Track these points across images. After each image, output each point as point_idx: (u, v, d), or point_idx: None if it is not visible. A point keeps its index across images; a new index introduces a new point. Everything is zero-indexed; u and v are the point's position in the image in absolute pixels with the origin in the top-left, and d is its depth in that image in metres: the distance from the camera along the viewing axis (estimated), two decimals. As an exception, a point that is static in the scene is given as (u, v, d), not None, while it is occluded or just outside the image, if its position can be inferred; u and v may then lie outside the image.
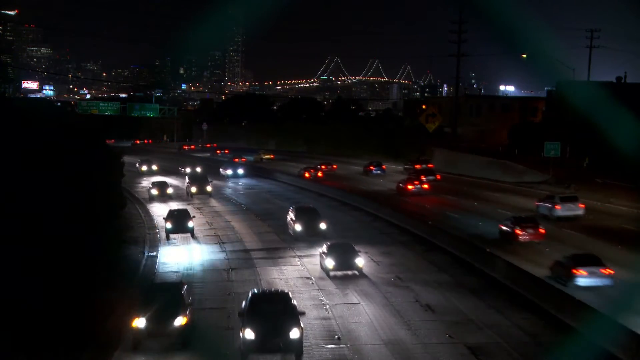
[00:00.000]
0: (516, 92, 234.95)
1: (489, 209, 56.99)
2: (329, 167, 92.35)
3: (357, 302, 32.42)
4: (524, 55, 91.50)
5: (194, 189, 69.84)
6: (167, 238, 48.85)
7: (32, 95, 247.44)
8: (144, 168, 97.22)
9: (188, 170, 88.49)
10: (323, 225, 46.80)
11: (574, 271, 32.71)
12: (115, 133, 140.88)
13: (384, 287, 34.93)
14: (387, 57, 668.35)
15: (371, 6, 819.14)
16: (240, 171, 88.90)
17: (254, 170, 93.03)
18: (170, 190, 69.39)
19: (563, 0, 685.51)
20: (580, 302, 28.11)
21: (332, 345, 26.58)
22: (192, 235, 49.18)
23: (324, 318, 30.00)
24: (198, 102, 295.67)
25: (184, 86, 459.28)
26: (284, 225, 50.09)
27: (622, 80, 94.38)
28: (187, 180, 73.28)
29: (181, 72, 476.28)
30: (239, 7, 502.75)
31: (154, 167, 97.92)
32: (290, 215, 49.01)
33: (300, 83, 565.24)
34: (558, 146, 72.94)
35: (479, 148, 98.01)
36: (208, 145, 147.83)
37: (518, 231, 42.63)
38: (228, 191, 76.04)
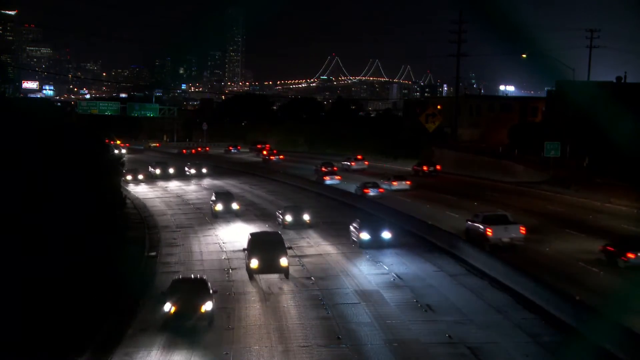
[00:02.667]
0: (516, 92, 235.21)
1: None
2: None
3: (357, 302, 32.44)
4: (524, 55, 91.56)
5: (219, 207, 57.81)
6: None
7: (32, 95, 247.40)
8: (158, 172, 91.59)
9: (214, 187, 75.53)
10: None
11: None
12: (115, 133, 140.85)
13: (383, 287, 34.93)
14: (387, 57, 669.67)
15: (371, 6, 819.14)
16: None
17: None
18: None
19: (563, 0, 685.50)
20: (580, 301, 28.11)
21: (332, 345, 26.59)
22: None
23: (324, 318, 30.01)
24: (198, 102, 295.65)
25: (184, 86, 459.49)
26: None
27: (622, 80, 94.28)
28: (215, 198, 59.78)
29: (181, 72, 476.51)
30: (239, 7, 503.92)
31: (171, 171, 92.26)
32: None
33: (300, 83, 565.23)
34: (558, 146, 72.95)
35: (479, 148, 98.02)
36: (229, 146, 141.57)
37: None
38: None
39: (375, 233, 43.56)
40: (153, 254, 44.71)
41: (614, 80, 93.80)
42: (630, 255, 35.79)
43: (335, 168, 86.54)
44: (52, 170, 33.93)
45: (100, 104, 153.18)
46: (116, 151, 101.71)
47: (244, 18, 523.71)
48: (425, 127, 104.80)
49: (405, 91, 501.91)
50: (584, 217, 52.05)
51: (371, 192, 65.13)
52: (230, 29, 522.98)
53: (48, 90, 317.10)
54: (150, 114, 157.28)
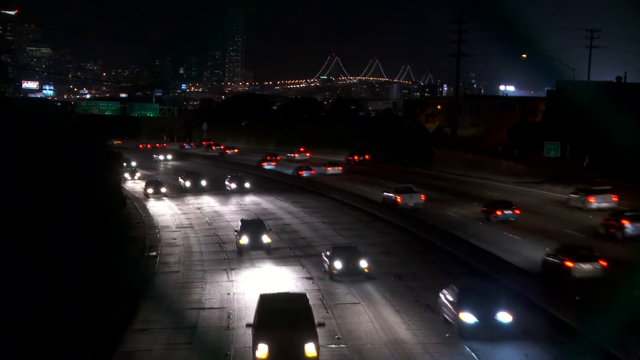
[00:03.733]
0: (516, 92, 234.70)
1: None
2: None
3: (357, 302, 32.42)
4: (524, 55, 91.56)
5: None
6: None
7: (32, 95, 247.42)
8: (188, 184, 76.26)
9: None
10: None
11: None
12: (115, 133, 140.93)
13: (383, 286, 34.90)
14: (387, 57, 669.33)
15: (371, 6, 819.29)
16: None
17: None
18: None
19: (563, 0, 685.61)
20: (580, 301, 28.10)
21: (332, 345, 26.58)
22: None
23: (324, 318, 29.99)
24: (198, 102, 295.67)
25: (184, 86, 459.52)
26: None
27: (622, 80, 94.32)
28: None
29: (181, 72, 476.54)
30: (239, 7, 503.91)
31: (203, 183, 76.43)
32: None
33: (300, 83, 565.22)
34: (558, 146, 72.91)
35: (479, 148, 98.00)
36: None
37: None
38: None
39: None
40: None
41: (614, 80, 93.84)
42: (499, 213, 50.73)
43: (278, 158, 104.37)
44: (52, 171, 33.90)
45: (100, 104, 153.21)
46: (133, 163, 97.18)
47: (244, 18, 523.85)
48: (425, 127, 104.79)
49: (405, 91, 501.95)
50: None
51: (305, 174, 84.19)
52: (230, 29, 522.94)
53: (48, 90, 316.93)
54: (150, 114, 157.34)
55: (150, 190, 73.02)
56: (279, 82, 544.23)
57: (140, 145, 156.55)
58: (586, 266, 33.55)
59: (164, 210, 63.98)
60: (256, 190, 73.25)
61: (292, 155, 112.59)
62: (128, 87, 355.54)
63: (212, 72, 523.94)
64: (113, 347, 26.74)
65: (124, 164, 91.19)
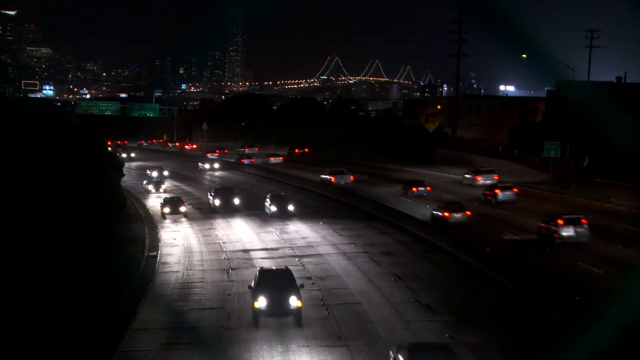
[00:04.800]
0: (516, 92, 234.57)
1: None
2: None
3: (357, 302, 32.45)
4: (524, 55, 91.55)
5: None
6: None
7: (32, 95, 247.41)
8: (218, 202, 60.94)
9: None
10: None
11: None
12: (115, 133, 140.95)
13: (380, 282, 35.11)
14: (387, 57, 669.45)
15: (371, 6, 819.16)
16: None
17: None
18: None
19: (563, 0, 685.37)
20: (580, 302, 28.13)
21: (332, 345, 26.59)
22: None
23: (324, 318, 30.01)
24: (198, 102, 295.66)
25: (184, 86, 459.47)
26: None
27: (622, 80, 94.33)
28: None
29: (181, 72, 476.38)
30: (239, 7, 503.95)
31: (236, 201, 61.45)
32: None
33: (300, 83, 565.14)
34: (558, 146, 72.92)
35: (479, 148, 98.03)
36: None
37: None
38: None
39: None
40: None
41: (614, 80, 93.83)
42: (414, 189, 65.88)
43: (226, 151, 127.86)
44: (52, 171, 33.94)
45: (100, 104, 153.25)
46: (154, 174, 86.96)
47: (244, 18, 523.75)
48: (425, 127, 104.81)
49: (405, 91, 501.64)
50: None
51: (246, 162, 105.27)
52: (230, 29, 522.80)
53: (48, 90, 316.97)
54: (150, 114, 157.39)
55: (167, 210, 59.64)
56: (279, 82, 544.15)
57: (145, 141, 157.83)
58: (457, 215, 50.10)
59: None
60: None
61: (242, 149, 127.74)
62: (128, 87, 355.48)
63: (212, 72, 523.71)
64: (113, 347, 26.74)
65: (149, 172, 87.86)
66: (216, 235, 51.18)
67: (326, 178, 76.97)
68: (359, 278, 37.01)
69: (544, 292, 30.51)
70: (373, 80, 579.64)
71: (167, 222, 57.62)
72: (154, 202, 67.65)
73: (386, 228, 51.15)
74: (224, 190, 64.32)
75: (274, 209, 56.66)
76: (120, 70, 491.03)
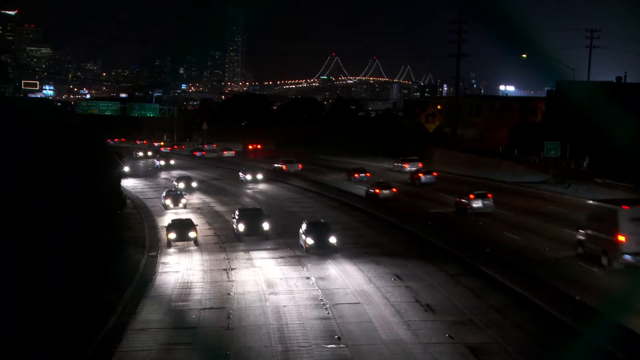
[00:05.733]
0: (516, 92, 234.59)
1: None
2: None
3: (357, 302, 32.42)
4: (524, 55, 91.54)
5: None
6: None
7: (32, 95, 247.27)
8: (242, 228, 48.06)
9: None
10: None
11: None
12: (115, 133, 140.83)
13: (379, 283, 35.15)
14: (387, 57, 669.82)
15: (371, 6, 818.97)
16: None
17: None
18: None
19: (563, 0, 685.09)
20: (581, 302, 28.14)
21: (332, 345, 26.58)
22: None
23: (324, 318, 30.00)
24: (198, 102, 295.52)
25: (184, 86, 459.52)
26: None
27: (622, 80, 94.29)
28: None
29: (181, 72, 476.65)
30: (239, 7, 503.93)
31: (266, 227, 48.49)
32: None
33: (300, 83, 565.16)
34: (558, 146, 72.94)
35: (479, 148, 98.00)
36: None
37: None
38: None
39: None
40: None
41: (614, 80, 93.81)
42: (356, 175, 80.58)
43: (183, 147, 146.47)
44: (52, 171, 33.93)
45: (100, 104, 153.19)
46: (181, 185, 76.70)
47: (244, 18, 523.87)
48: (425, 127, 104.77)
49: (405, 91, 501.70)
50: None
51: (197, 154, 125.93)
52: (230, 29, 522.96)
53: (48, 90, 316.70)
54: (150, 114, 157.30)
55: (172, 236, 46.70)
56: (279, 82, 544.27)
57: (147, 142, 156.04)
58: (386, 191, 65.06)
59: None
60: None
61: (212, 146, 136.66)
62: (128, 87, 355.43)
63: (212, 72, 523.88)
64: (113, 347, 26.74)
65: (175, 183, 78.39)
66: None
67: (279, 166, 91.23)
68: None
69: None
70: (373, 80, 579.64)
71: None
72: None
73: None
74: (251, 212, 50.08)
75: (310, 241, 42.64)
76: (120, 70, 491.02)
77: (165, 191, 66.95)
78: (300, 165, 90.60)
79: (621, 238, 34.80)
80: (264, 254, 43.59)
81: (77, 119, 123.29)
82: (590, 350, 23.77)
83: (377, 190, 65.18)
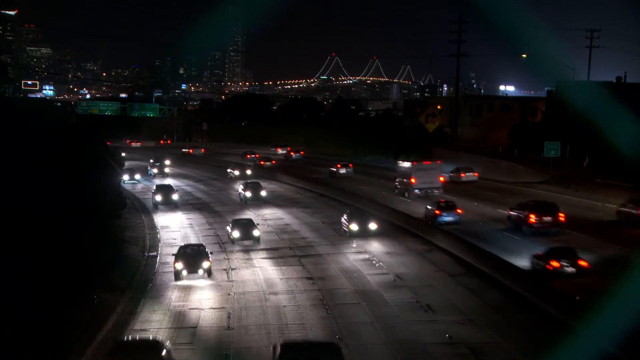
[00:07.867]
0: (516, 92, 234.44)
1: (488, 209, 57.52)
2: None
3: (357, 302, 32.43)
4: (524, 55, 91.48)
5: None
6: None
7: (32, 95, 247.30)
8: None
9: None
10: None
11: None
12: (115, 133, 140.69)
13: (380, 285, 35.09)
14: (387, 57, 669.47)
15: (371, 6, 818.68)
16: None
17: None
18: None
19: (563, 0, 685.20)
20: (580, 302, 28.13)
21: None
22: None
23: (324, 318, 30.00)
24: (198, 102, 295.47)
25: (184, 86, 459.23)
26: None
27: (622, 80, 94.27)
28: None
29: (181, 72, 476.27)
30: (239, 7, 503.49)
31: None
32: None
33: (300, 83, 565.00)
34: (558, 146, 72.85)
35: (479, 148, 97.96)
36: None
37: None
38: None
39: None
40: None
41: (614, 80, 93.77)
42: (342, 170, 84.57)
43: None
44: (53, 171, 33.90)
45: (100, 104, 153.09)
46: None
47: (244, 18, 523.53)
48: (425, 127, 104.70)
49: (405, 91, 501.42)
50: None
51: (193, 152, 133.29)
52: (230, 29, 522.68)
53: (48, 90, 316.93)
54: (150, 114, 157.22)
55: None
56: (279, 82, 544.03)
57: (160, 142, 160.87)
58: (343, 171, 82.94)
59: None
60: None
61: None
62: (128, 87, 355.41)
63: (212, 72, 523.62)
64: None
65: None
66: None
67: (266, 158, 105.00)
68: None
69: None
70: (373, 80, 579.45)
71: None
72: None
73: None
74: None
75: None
76: (120, 70, 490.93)
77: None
78: (273, 162, 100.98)
79: (412, 180, 63.22)
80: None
81: (77, 119, 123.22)
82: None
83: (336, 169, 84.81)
